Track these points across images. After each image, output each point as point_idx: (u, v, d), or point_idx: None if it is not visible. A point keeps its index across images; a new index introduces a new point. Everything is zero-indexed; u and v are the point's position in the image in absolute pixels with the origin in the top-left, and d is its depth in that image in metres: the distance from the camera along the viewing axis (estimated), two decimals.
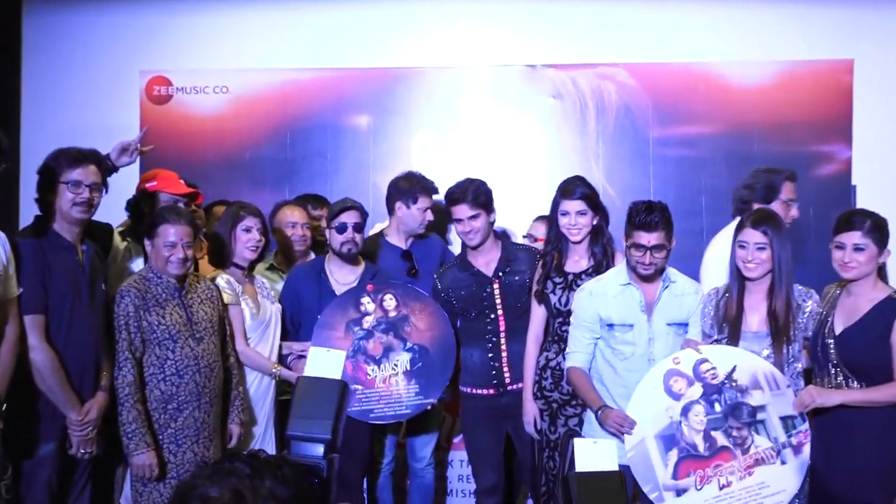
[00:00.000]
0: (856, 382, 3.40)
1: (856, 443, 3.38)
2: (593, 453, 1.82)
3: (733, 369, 3.47)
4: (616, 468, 1.80)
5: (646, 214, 3.55)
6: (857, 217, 3.48)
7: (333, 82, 5.39)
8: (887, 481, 3.35)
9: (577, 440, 1.79)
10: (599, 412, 3.59)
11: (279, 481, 1.62)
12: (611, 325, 3.72)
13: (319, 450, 2.00)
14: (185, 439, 3.69)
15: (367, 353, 4.08)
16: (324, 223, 4.42)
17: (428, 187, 4.47)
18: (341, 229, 4.18)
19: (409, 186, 4.48)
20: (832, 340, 3.46)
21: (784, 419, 3.44)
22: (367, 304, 4.11)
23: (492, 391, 4.18)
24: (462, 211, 4.14)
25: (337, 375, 2.11)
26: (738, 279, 3.57)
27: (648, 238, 3.57)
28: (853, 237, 3.43)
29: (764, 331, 3.51)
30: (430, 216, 4.48)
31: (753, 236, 3.49)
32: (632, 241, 3.60)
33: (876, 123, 5.00)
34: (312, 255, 4.65)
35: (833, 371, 3.45)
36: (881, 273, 3.49)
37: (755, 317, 3.56)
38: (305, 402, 2.06)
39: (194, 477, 1.64)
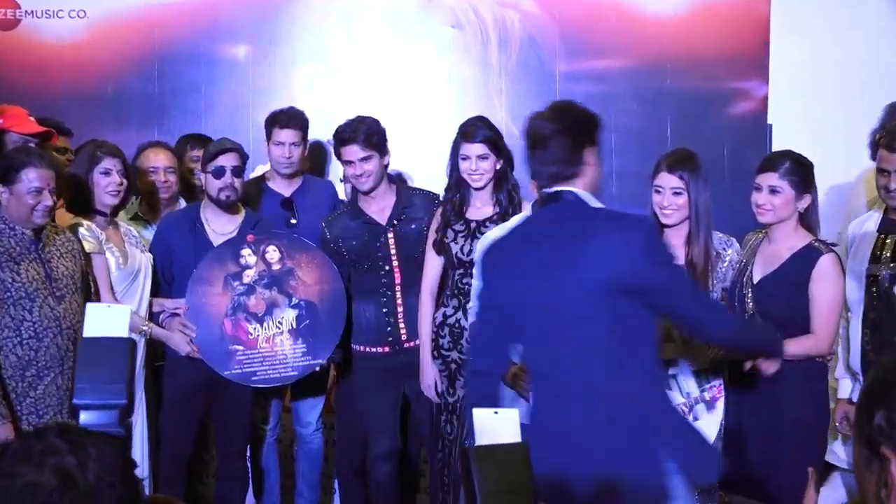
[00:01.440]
0: None
1: (770, 400, 3.49)
2: (494, 424, 1.86)
3: None
4: (519, 440, 1.84)
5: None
6: (775, 158, 3.58)
7: (208, 7, 5.27)
8: (804, 440, 3.47)
9: (476, 410, 1.83)
10: None
11: (103, 454, 1.52)
12: None
13: (114, 417, 1.96)
14: (46, 409, 3.62)
15: (249, 310, 4.06)
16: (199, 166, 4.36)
17: (287, 119, 4.45)
18: (218, 174, 4.13)
19: (270, 119, 4.48)
20: (750, 290, 3.56)
21: (697, 373, 3.51)
22: (248, 256, 4.08)
23: (387, 349, 4.22)
24: (352, 152, 4.12)
25: (123, 333, 2.07)
26: (656, 226, 3.61)
27: None
28: (769, 178, 3.53)
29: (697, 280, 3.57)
30: (289, 153, 4.45)
31: (669, 180, 3.54)
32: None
33: (793, 59, 5.13)
34: (182, 203, 4.59)
35: None
36: (808, 221, 3.58)
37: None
38: (91, 367, 2.01)
39: (5, 462, 1.51)
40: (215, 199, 4.16)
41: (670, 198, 3.54)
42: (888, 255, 3.77)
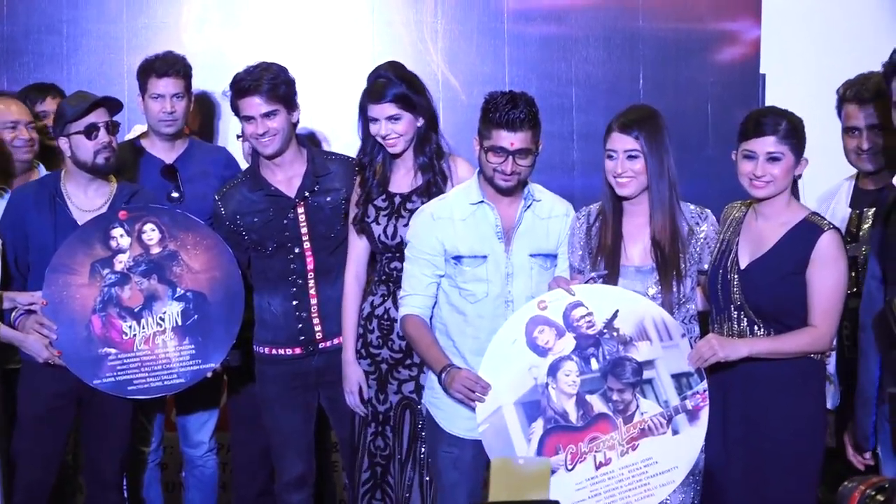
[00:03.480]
0: (762, 329, 3.52)
1: (762, 405, 3.51)
2: (515, 476, 1.76)
3: (614, 315, 3.53)
4: (547, 496, 1.73)
5: (509, 108, 3.59)
6: (769, 118, 3.55)
7: None
8: (800, 456, 3.50)
9: (494, 458, 1.73)
10: (444, 374, 3.61)
11: None
12: (458, 258, 3.75)
13: None
14: None
15: (122, 304, 4.03)
16: (50, 123, 4.32)
17: (164, 66, 4.42)
18: (91, 132, 4.04)
19: (143, 67, 4.46)
20: (736, 276, 3.56)
21: (677, 377, 3.52)
22: (120, 237, 4.04)
23: (298, 351, 4.21)
24: (253, 105, 4.07)
25: None
26: (612, 199, 3.64)
27: (511, 140, 3.60)
28: (766, 143, 3.51)
29: (649, 264, 3.60)
30: (170, 107, 4.42)
31: (622, 142, 3.57)
32: (489, 144, 3.62)
33: None
34: (42, 171, 4.50)
35: (736, 314, 3.55)
36: (794, 190, 3.60)
37: (637, 247, 3.63)
38: None
39: None
40: (91, 164, 4.08)
41: (625, 163, 3.57)
42: (868, 230, 3.81)
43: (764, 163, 3.50)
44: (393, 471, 4.00)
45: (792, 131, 3.51)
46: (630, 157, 3.55)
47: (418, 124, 4.01)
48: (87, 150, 4.05)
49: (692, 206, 3.68)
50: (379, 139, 4.00)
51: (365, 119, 4.03)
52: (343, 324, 4.10)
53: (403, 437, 3.98)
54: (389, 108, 3.97)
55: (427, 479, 3.96)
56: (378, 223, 4.02)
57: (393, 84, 3.99)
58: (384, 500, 4.04)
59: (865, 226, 3.85)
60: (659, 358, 3.51)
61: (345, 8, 5.23)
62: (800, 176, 3.58)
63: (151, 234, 4.05)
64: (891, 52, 3.38)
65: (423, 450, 3.95)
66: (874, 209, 3.81)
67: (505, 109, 3.58)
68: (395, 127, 3.98)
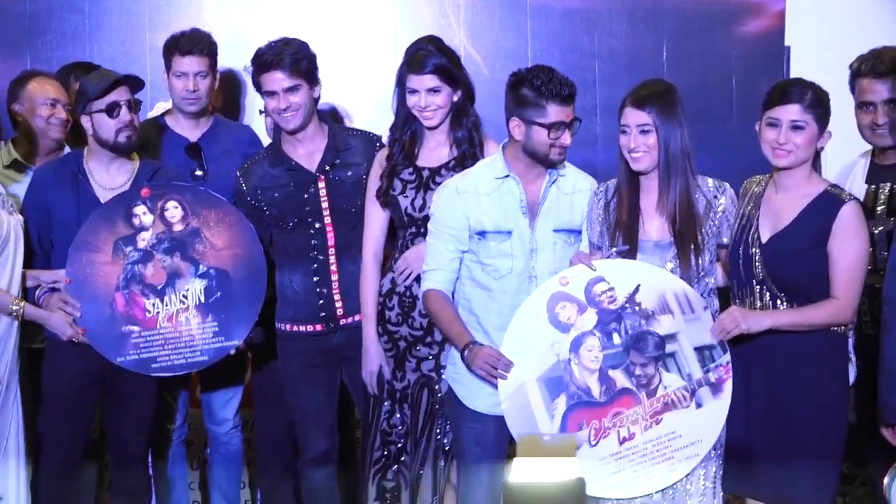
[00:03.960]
0: (785, 303, 3.52)
1: (785, 378, 3.51)
2: (542, 453, 1.77)
3: (636, 290, 3.54)
4: (576, 476, 1.74)
5: (561, 83, 3.63)
6: (795, 87, 3.55)
7: None
8: (823, 429, 3.50)
9: (520, 435, 1.74)
10: (467, 351, 3.62)
11: None
12: (482, 233, 3.75)
13: None
14: None
15: (145, 282, 4.04)
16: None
17: (189, 43, 4.42)
18: (113, 111, 4.05)
19: (168, 45, 4.45)
20: (757, 250, 3.56)
21: (700, 350, 3.52)
22: (143, 214, 4.05)
23: (319, 328, 4.21)
24: (275, 80, 4.08)
25: None
26: (628, 174, 3.65)
27: (567, 112, 3.66)
28: (790, 111, 3.51)
29: (667, 239, 3.60)
30: (194, 85, 4.43)
31: (635, 117, 3.58)
32: (547, 120, 3.63)
33: None
34: (67, 149, 4.53)
35: (759, 289, 3.55)
36: (815, 165, 3.60)
37: (654, 222, 3.63)
38: None
39: None
40: (113, 142, 4.09)
41: (637, 137, 3.58)
42: (883, 208, 3.82)
43: (787, 130, 3.50)
44: (410, 449, 4.01)
45: (817, 102, 3.51)
46: (643, 131, 3.55)
47: (455, 98, 4.00)
48: (108, 129, 4.06)
49: (710, 180, 3.67)
50: (416, 112, 3.99)
51: (402, 91, 4.02)
52: (363, 302, 4.09)
53: (420, 415, 4.00)
54: (430, 80, 3.96)
55: (442, 462, 3.98)
56: (406, 195, 4.01)
57: (434, 55, 3.99)
58: (397, 480, 4.05)
59: (882, 204, 3.83)
60: (681, 331, 3.51)
61: None
62: (822, 149, 3.57)
63: (174, 211, 4.05)
64: None
65: (437, 431, 3.97)
66: (890, 185, 3.82)
67: (558, 84, 3.61)
68: (435, 99, 3.97)
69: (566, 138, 3.66)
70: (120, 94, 4.06)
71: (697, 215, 3.59)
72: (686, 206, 3.57)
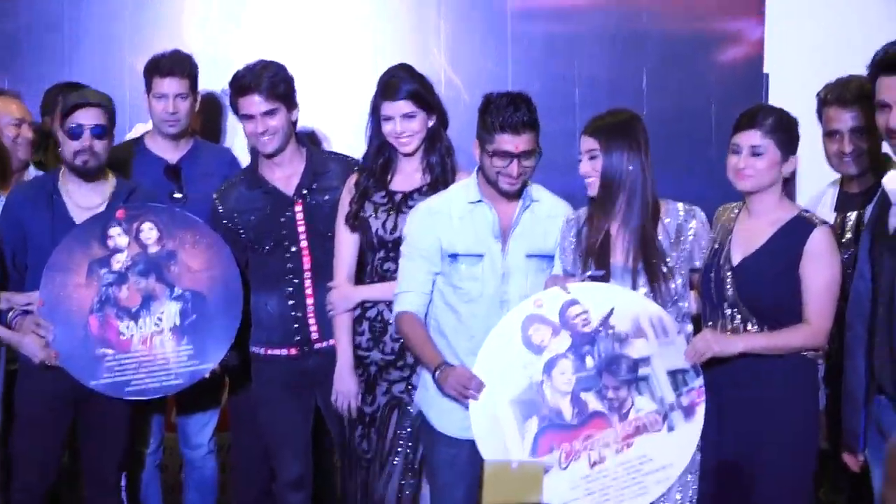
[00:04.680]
0: (756, 326, 3.55)
1: (757, 401, 3.53)
2: (508, 481, 1.78)
3: (610, 312, 3.56)
4: (540, 500, 1.76)
5: (511, 111, 3.62)
6: (757, 113, 3.61)
7: None
8: (795, 453, 3.52)
9: (488, 462, 1.74)
10: (438, 372, 3.63)
11: None
12: (454, 256, 3.77)
13: None
14: None
15: (120, 304, 4.04)
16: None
17: (170, 65, 4.44)
18: (75, 133, 4.06)
19: (149, 66, 4.47)
20: (729, 273, 3.59)
21: (673, 374, 3.54)
22: (118, 236, 4.05)
23: (294, 351, 4.22)
24: (253, 104, 4.10)
25: None
26: (594, 199, 3.68)
27: (516, 143, 3.64)
28: (750, 137, 3.56)
29: (639, 265, 3.62)
30: (174, 107, 4.44)
31: (585, 143, 3.66)
32: (493, 148, 3.65)
33: None
34: (31, 172, 4.56)
35: (730, 312, 3.58)
36: (787, 191, 3.65)
37: (621, 246, 3.65)
38: None
39: None
40: (70, 164, 4.10)
41: (587, 163, 3.64)
42: (850, 236, 3.87)
43: (747, 156, 3.55)
44: (372, 475, 4.01)
45: (778, 126, 3.55)
46: (591, 157, 3.61)
47: (430, 123, 4.03)
48: (69, 150, 4.07)
49: (680, 205, 3.70)
50: (391, 139, 4.01)
51: (376, 120, 4.04)
52: (336, 330, 4.10)
53: (387, 437, 4.00)
54: (404, 106, 3.98)
55: (410, 482, 3.98)
56: (377, 217, 4.02)
57: (407, 82, 4.01)
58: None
59: (848, 231, 3.88)
60: (655, 355, 3.53)
61: (347, 7, 5.23)
62: (788, 174, 3.60)
63: (149, 232, 4.05)
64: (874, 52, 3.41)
65: (407, 450, 3.97)
66: (856, 213, 3.86)
67: (507, 112, 3.61)
68: (410, 125, 3.99)
69: (513, 169, 3.65)
70: (86, 117, 4.06)
71: (660, 240, 3.62)
72: (645, 232, 3.60)
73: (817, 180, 4.17)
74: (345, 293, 4.04)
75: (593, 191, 3.63)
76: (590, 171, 3.62)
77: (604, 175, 3.59)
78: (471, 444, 3.61)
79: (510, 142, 3.63)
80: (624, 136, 3.60)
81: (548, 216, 3.81)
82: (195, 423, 4.60)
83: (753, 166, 3.55)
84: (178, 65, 4.45)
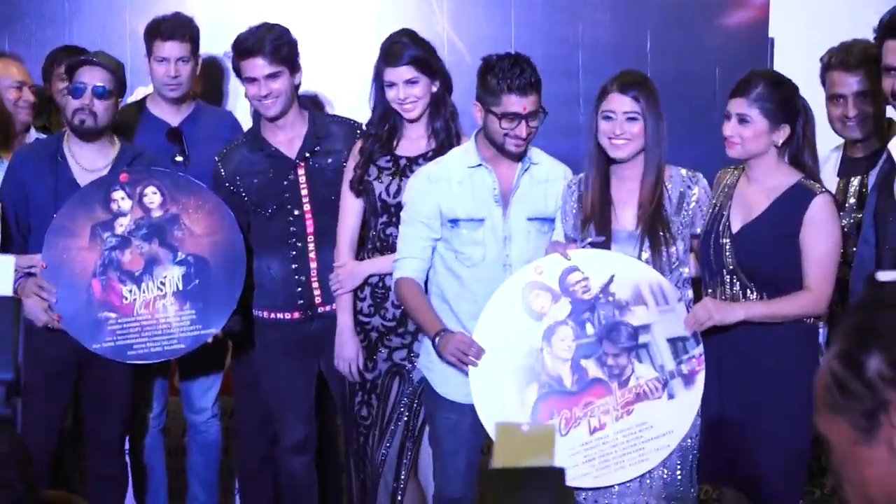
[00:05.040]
0: (755, 293, 3.57)
1: (757, 368, 3.56)
2: (520, 442, 1.81)
3: (610, 280, 3.58)
4: (553, 463, 1.79)
5: (518, 73, 3.62)
6: (749, 80, 3.61)
7: None
8: (793, 418, 3.52)
9: (498, 424, 1.78)
10: (438, 338, 3.65)
11: None
12: (455, 221, 3.78)
13: None
14: None
15: (123, 268, 4.04)
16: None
17: (171, 28, 4.41)
18: (77, 92, 4.06)
19: (149, 29, 4.45)
20: (728, 240, 3.61)
21: (673, 341, 3.56)
22: (121, 200, 4.05)
23: (297, 315, 4.22)
24: (256, 67, 4.09)
25: (6, 290, 2.00)
26: (601, 161, 3.67)
27: (524, 104, 3.64)
28: (738, 105, 3.57)
29: (644, 230, 3.64)
30: (175, 71, 4.42)
31: (622, 103, 3.60)
32: (501, 110, 3.64)
33: None
34: (32, 134, 4.55)
35: (729, 279, 3.60)
36: (799, 157, 3.63)
37: (628, 212, 3.67)
38: None
39: None
40: (69, 123, 4.11)
41: (623, 124, 3.60)
42: (853, 201, 3.88)
43: (735, 124, 3.56)
44: (372, 441, 4.03)
45: (766, 95, 3.54)
46: (630, 118, 3.58)
47: (434, 89, 4.02)
48: (69, 108, 4.07)
49: (683, 171, 3.72)
50: (395, 105, 4.00)
51: (379, 86, 4.03)
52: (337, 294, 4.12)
53: (388, 404, 4.02)
54: (407, 71, 3.97)
55: (409, 445, 4.00)
56: (381, 181, 4.03)
57: (409, 47, 4.00)
58: (366, 471, 4.06)
59: (851, 197, 3.90)
60: (655, 322, 3.54)
61: None
62: (778, 143, 3.58)
63: (153, 197, 4.06)
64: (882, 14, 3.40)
65: (406, 415, 4.00)
66: (860, 178, 3.88)
67: (514, 74, 3.61)
68: (413, 90, 3.98)
69: (521, 130, 3.65)
70: (88, 76, 4.05)
71: (671, 205, 3.63)
72: (655, 194, 3.61)
73: (821, 145, 4.16)
74: (351, 270, 4.05)
75: (624, 152, 3.61)
76: (626, 132, 3.59)
77: (650, 138, 3.58)
78: (472, 411, 3.64)
79: (518, 103, 3.63)
80: (658, 100, 3.63)
81: (546, 179, 3.83)
82: (198, 387, 4.61)
83: (740, 134, 3.55)
84: (179, 28, 4.42)
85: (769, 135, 3.56)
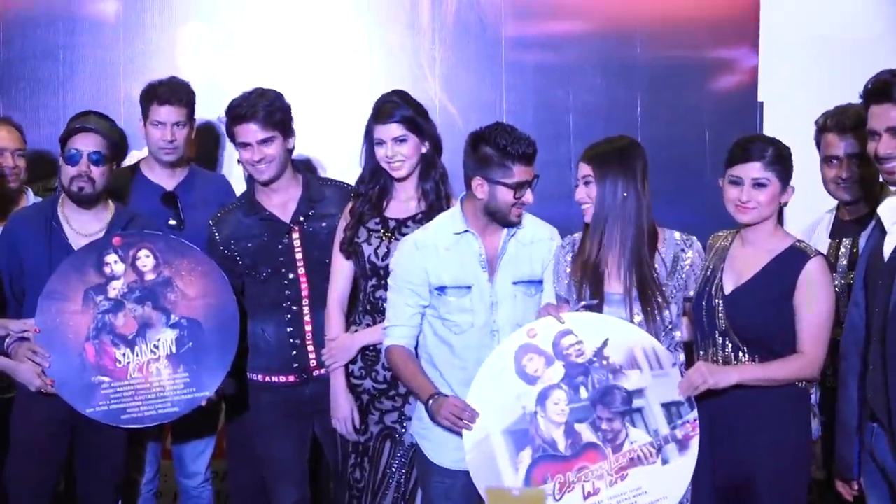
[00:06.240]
0: (747, 354, 3.55)
1: (749, 432, 3.54)
2: None
3: (604, 343, 3.56)
4: None
5: (525, 142, 3.65)
6: (756, 144, 3.61)
7: None
8: (786, 483, 3.53)
9: (490, 489, 1.76)
10: (431, 401, 3.63)
11: None
12: (442, 289, 3.77)
13: None
14: None
15: (116, 331, 4.03)
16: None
17: (168, 92, 4.43)
18: (73, 159, 4.07)
19: (146, 93, 4.47)
20: (721, 301, 3.60)
21: (667, 406, 3.54)
22: (115, 263, 4.04)
23: (292, 378, 4.20)
24: (249, 132, 4.10)
25: None
26: (588, 226, 3.69)
27: (531, 172, 3.68)
28: (752, 169, 3.57)
29: (634, 293, 3.62)
30: (171, 135, 4.44)
31: (581, 169, 3.67)
32: (512, 180, 3.65)
33: (788, 22, 5.19)
34: (30, 196, 4.55)
35: (721, 340, 3.59)
36: (780, 218, 3.66)
37: (617, 275, 3.65)
38: None
39: None
40: (67, 189, 4.10)
41: (582, 189, 3.65)
42: (844, 262, 3.91)
43: (749, 188, 3.56)
44: (365, 502, 4.00)
45: (778, 158, 3.57)
46: (586, 183, 3.63)
47: (423, 150, 4.03)
48: (65, 176, 4.08)
49: (678, 234, 3.71)
50: (383, 163, 4.00)
51: (370, 145, 4.04)
52: None
53: (380, 466, 3.99)
54: (396, 129, 3.98)
55: None
56: (370, 243, 4.02)
57: (400, 107, 4.02)
58: None
59: (843, 258, 3.92)
60: (649, 387, 3.52)
61: (342, 34, 5.23)
62: (786, 204, 3.62)
63: (146, 260, 4.04)
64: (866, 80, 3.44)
65: (400, 478, 3.96)
66: (851, 240, 3.90)
67: (522, 144, 3.63)
68: (401, 149, 3.99)
69: (529, 197, 3.69)
70: (85, 143, 4.06)
71: (657, 269, 3.63)
72: (641, 260, 3.60)
73: (808, 208, 4.18)
74: (343, 343, 4.04)
75: (589, 217, 3.63)
76: (584, 198, 3.63)
77: (598, 202, 3.60)
78: (465, 475, 3.60)
79: (527, 172, 3.67)
80: (619, 163, 3.61)
81: (532, 241, 3.82)
82: (191, 450, 4.59)
83: (756, 199, 3.56)
84: (175, 92, 4.45)
85: (780, 197, 3.59)
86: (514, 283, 3.77)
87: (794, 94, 5.12)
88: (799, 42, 5.21)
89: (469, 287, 3.75)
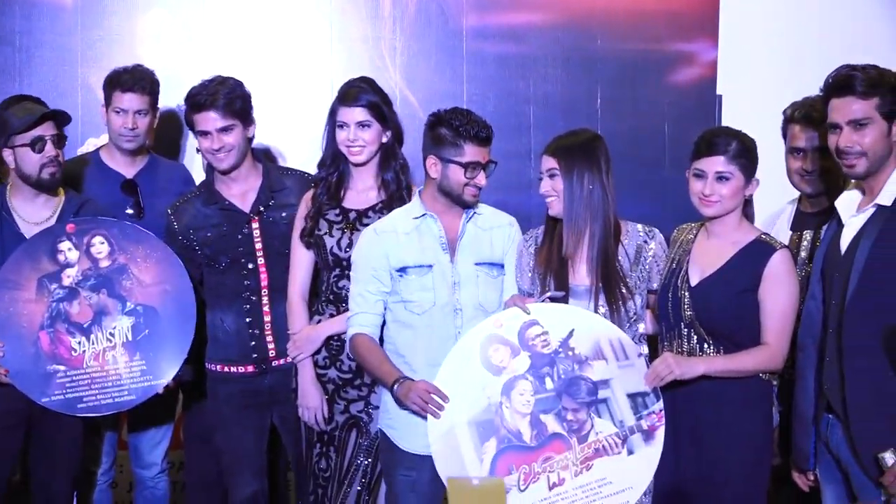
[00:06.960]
0: (712, 346, 3.53)
1: (712, 423, 3.53)
2: (472, 497, 1.73)
3: (570, 334, 3.53)
4: None
5: (479, 124, 3.67)
6: (720, 138, 3.59)
7: None
8: (748, 473, 3.52)
9: (450, 479, 1.70)
10: (397, 386, 3.58)
11: None
12: (403, 270, 3.73)
13: None
14: None
15: (71, 319, 3.99)
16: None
17: (132, 80, 4.37)
18: (38, 145, 3.97)
19: (110, 79, 4.41)
20: (686, 293, 3.58)
21: (633, 397, 3.51)
22: (69, 250, 4.00)
23: (251, 369, 4.16)
24: (209, 120, 4.05)
25: None
26: (550, 219, 3.68)
27: (484, 154, 3.71)
28: (715, 163, 3.54)
29: (595, 284, 3.61)
30: (133, 123, 4.37)
31: (545, 162, 3.65)
32: (465, 160, 3.66)
33: (747, 15, 5.18)
34: None
35: (686, 332, 3.58)
36: (746, 211, 3.64)
37: (584, 267, 3.63)
38: None
39: None
40: (36, 178, 4.02)
41: (547, 182, 3.63)
42: (804, 255, 3.90)
43: (713, 182, 3.54)
44: (331, 492, 3.95)
45: (742, 151, 3.54)
46: (551, 176, 3.60)
47: (384, 139, 3.99)
48: (32, 164, 3.99)
49: (640, 226, 3.70)
50: (343, 147, 3.96)
51: (332, 126, 4.00)
52: None
53: (346, 455, 3.95)
54: (360, 113, 3.95)
55: (366, 500, 3.93)
56: (332, 235, 3.97)
57: (366, 92, 3.99)
58: None
59: (803, 251, 3.90)
60: (614, 377, 3.50)
61: (303, 23, 5.18)
62: (750, 196, 3.61)
63: (100, 247, 4.00)
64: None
65: (366, 468, 3.92)
66: (812, 233, 3.90)
67: (477, 125, 3.65)
68: (363, 134, 3.96)
69: (481, 179, 3.69)
70: (46, 129, 3.99)
71: (620, 261, 3.61)
72: (607, 252, 3.59)
73: (770, 200, 4.14)
74: (308, 335, 3.98)
75: (554, 210, 3.61)
76: (550, 191, 3.60)
77: (566, 196, 3.57)
78: (431, 466, 3.56)
79: (479, 152, 3.67)
80: (585, 157, 3.59)
81: (491, 227, 3.82)
82: (148, 441, 4.52)
83: (719, 192, 3.54)
84: (139, 81, 4.38)
85: (743, 190, 3.57)
86: (477, 265, 3.75)
87: (753, 87, 5.15)
88: (758, 36, 5.22)
89: (430, 266, 3.73)
